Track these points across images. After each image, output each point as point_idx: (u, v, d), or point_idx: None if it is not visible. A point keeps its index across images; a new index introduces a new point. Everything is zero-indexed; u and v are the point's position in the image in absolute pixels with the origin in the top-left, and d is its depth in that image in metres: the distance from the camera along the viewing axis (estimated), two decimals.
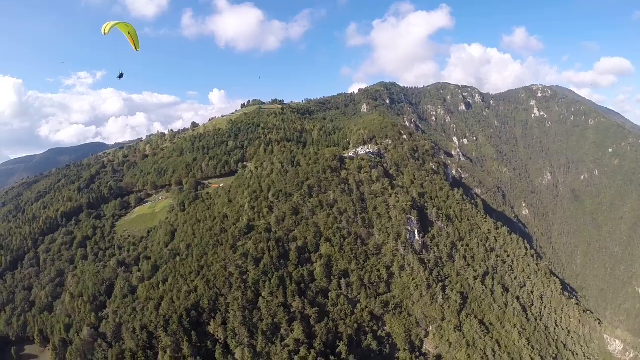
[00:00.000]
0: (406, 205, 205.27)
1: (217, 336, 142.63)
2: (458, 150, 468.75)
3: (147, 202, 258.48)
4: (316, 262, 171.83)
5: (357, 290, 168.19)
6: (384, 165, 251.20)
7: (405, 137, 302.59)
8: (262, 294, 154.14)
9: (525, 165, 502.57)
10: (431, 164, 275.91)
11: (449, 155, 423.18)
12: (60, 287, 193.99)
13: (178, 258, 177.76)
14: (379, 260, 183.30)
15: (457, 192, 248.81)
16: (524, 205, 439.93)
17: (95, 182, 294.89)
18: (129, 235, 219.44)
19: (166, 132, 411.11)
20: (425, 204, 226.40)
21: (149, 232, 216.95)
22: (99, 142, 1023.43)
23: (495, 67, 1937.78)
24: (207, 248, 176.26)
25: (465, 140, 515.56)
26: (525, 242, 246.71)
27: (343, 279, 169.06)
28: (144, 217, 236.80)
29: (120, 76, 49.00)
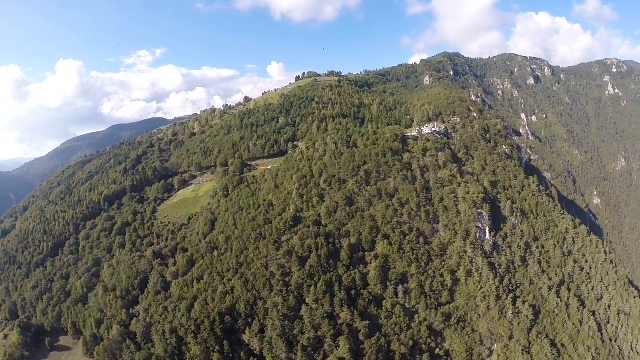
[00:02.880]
0: (477, 197, 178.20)
1: (252, 346, 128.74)
2: (526, 128, 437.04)
3: (191, 184, 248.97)
4: (371, 263, 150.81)
5: (416, 299, 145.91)
6: (452, 147, 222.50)
7: (475, 114, 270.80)
8: (307, 301, 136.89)
9: (597, 149, 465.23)
10: (504, 147, 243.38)
11: (517, 133, 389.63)
12: (96, 278, 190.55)
13: (216, 252, 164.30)
14: (443, 263, 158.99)
15: (533, 182, 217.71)
16: (595, 193, 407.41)
17: (141, 162, 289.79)
18: (169, 222, 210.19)
19: (221, 106, 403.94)
20: (498, 196, 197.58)
21: (189, 219, 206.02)
22: (160, 117, 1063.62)
23: (563, 38, 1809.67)
24: (248, 242, 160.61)
25: (534, 118, 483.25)
26: (605, 245, 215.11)
27: (400, 285, 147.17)
28: (186, 201, 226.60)
29: None
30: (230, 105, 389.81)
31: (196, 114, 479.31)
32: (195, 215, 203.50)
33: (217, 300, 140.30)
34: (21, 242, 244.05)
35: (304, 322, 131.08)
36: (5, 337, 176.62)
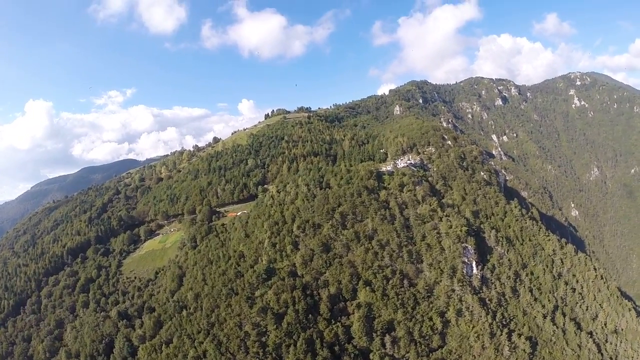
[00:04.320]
0: (461, 231, 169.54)
1: None
2: (499, 149, 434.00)
3: (158, 234, 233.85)
4: (353, 313, 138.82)
5: (405, 348, 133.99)
6: (429, 179, 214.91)
7: (449, 142, 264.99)
8: None
9: (570, 161, 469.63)
10: (482, 173, 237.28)
11: (490, 155, 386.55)
12: (59, 341, 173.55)
13: (185, 312, 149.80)
14: (430, 306, 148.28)
15: (514, 206, 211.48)
16: (572, 205, 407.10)
17: (107, 210, 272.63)
18: (135, 277, 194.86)
19: (191, 147, 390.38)
20: (482, 226, 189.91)
21: (156, 273, 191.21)
22: (131, 158, 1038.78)
23: (525, 57, 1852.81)
24: (218, 299, 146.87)
25: (504, 138, 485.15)
26: (594, 261, 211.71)
27: (387, 334, 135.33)
28: (153, 253, 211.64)
29: None
30: (199, 147, 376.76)
31: (167, 154, 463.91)
32: (163, 270, 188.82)
33: None
34: None
35: None
36: None
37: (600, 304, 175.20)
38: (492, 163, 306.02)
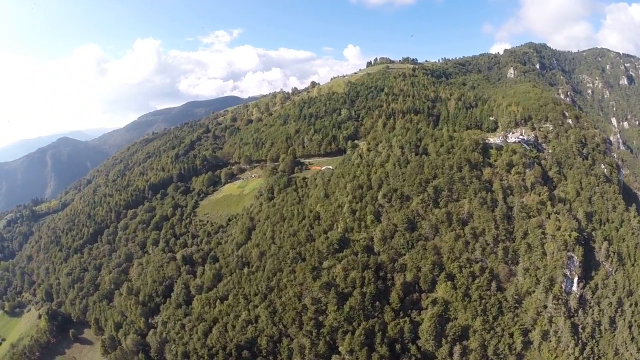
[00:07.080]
0: (569, 236, 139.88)
1: None
2: (617, 136, 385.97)
3: (238, 179, 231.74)
4: (426, 309, 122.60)
5: None
6: (542, 162, 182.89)
7: (570, 121, 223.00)
8: (339, 349, 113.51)
9: None
10: (602, 166, 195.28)
11: (608, 141, 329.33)
12: (125, 275, 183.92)
13: (246, 270, 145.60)
14: (515, 319, 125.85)
15: (634, 215, 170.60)
16: None
17: (195, 148, 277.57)
18: (207, 222, 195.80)
19: (289, 89, 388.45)
20: (593, 233, 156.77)
21: (229, 220, 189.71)
22: (235, 95, 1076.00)
23: None
24: (283, 262, 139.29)
25: (625, 124, 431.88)
26: None
27: (458, 342, 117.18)
28: (229, 198, 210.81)
29: None
30: (297, 90, 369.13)
31: (271, 93, 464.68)
32: (235, 218, 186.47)
33: (238, 328, 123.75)
34: (68, 223, 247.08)
35: None
36: (40, 316, 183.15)
37: None
38: (614, 155, 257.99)
